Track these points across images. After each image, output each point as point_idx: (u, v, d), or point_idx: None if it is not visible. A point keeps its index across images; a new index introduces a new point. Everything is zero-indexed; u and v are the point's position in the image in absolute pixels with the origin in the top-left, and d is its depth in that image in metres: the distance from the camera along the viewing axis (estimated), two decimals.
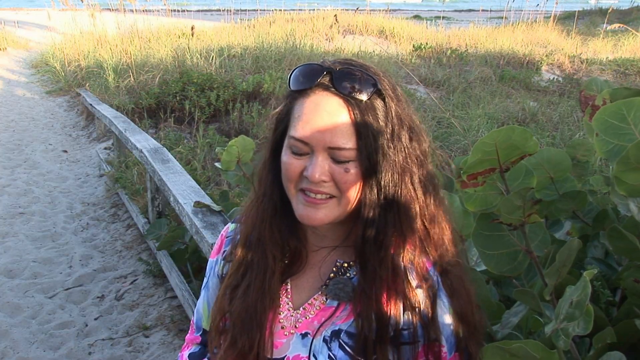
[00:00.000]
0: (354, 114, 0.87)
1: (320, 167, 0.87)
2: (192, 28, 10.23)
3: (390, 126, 0.89)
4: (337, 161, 0.87)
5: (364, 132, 0.87)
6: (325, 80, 0.89)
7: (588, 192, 1.39)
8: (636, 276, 1.05)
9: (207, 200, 2.61)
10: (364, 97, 0.87)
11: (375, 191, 0.89)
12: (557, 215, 1.38)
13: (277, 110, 0.96)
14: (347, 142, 0.86)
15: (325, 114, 0.87)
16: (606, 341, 0.94)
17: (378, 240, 0.90)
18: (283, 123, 0.93)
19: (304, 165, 0.89)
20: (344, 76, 0.88)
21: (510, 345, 0.82)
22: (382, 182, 0.89)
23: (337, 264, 0.96)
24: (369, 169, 0.88)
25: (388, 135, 0.89)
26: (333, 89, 0.88)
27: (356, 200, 0.90)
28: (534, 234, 1.08)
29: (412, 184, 0.91)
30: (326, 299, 0.94)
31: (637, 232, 1.07)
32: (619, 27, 12.08)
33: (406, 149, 0.91)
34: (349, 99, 0.87)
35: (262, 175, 0.99)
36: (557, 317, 0.82)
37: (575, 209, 1.35)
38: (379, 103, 0.89)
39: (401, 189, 0.90)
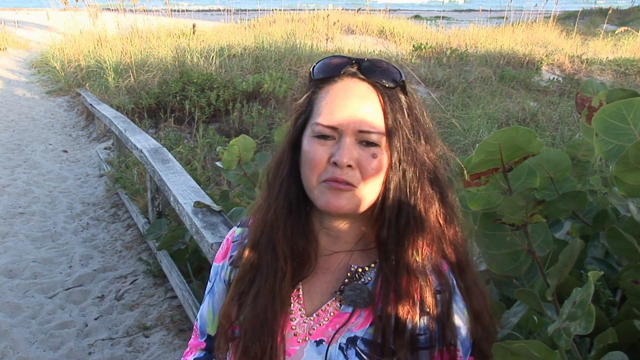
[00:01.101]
0: (382, 98, 0.88)
1: (348, 151, 0.86)
2: (193, 26, 10.23)
3: (411, 120, 0.91)
4: (365, 143, 0.87)
5: (392, 117, 0.88)
6: (353, 68, 0.90)
7: (588, 192, 1.39)
8: (635, 277, 1.05)
9: (207, 200, 2.61)
10: (391, 84, 0.89)
11: (400, 184, 0.89)
12: (557, 215, 1.38)
13: (298, 102, 0.95)
14: (376, 125, 0.87)
15: (355, 98, 0.88)
16: (607, 342, 0.94)
17: (399, 239, 0.89)
18: (305, 114, 0.92)
19: (329, 152, 0.87)
20: (371, 64, 0.90)
21: (513, 344, 0.82)
22: (407, 176, 0.89)
23: (352, 269, 0.94)
24: (395, 157, 0.88)
25: (410, 127, 0.90)
26: (361, 76, 0.90)
27: (380, 191, 0.89)
28: (536, 234, 1.08)
29: (430, 182, 0.91)
30: (340, 305, 0.92)
31: (636, 232, 1.07)
32: (625, 29, 12.11)
33: (424, 147, 0.92)
34: (377, 84, 0.89)
35: (278, 171, 0.96)
36: (560, 317, 0.82)
37: (575, 209, 1.35)
38: (402, 95, 0.91)
39: (421, 186, 0.90)
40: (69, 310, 3.46)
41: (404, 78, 0.91)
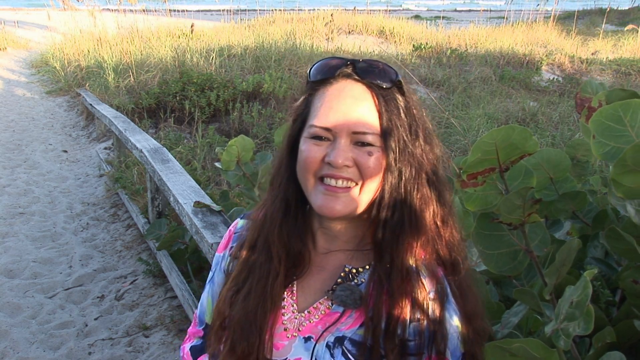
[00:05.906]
0: (377, 99, 0.88)
1: (343, 152, 0.86)
2: (191, 26, 10.24)
3: (408, 120, 0.90)
4: (360, 144, 0.87)
5: (387, 118, 0.88)
6: (348, 69, 0.90)
7: (588, 192, 1.39)
8: (635, 277, 1.05)
9: (207, 200, 2.61)
10: (386, 84, 0.89)
11: (396, 184, 0.88)
12: (557, 216, 1.38)
13: (296, 103, 0.96)
14: (371, 126, 0.87)
15: (349, 99, 0.88)
16: (605, 341, 0.94)
17: (394, 241, 0.88)
18: (302, 116, 0.93)
19: (324, 152, 0.88)
20: (367, 65, 0.90)
21: (511, 344, 0.81)
22: (404, 176, 0.88)
23: (346, 269, 0.94)
24: (391, 158, 0.87)
25: (407, 127, 0.90)
26: (356, 77, 0.89)
27: (376, 192, 0.89)
28: (533, 233, 1.08)
29: (428, 183, 0.91)
30: (332, 304, 0.92)
31: (635, 233, 1.07)
32: (632, 27, 12.14)
33: (422, 147, 0.91)
34: (372, 85, 0.89)
35: (277, 172, 0.97)
36: (557, 317, 0.82)
37: (575, 209, 1.35)
38: (399, 96, 0.91)
39: (418, 186, 0.90)
40: (69, 310, 3.46)
41: (400, 78, 0.90)
